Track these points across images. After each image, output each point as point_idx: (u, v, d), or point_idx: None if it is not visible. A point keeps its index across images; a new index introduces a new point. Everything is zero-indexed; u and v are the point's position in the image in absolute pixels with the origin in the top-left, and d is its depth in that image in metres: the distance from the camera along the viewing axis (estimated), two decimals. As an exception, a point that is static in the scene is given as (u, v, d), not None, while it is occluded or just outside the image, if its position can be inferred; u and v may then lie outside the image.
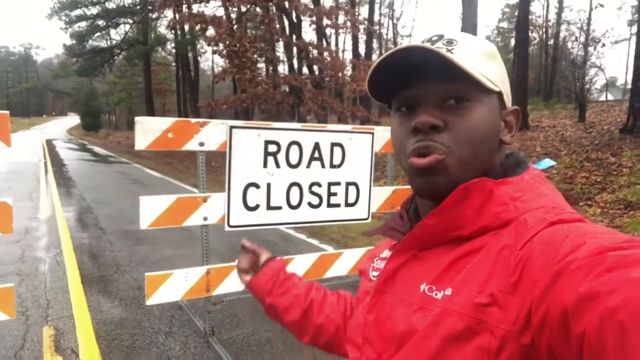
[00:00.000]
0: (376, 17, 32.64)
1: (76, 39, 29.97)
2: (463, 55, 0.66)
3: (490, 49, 0.72)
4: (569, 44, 31.99)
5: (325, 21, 16.72)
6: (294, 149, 3.12)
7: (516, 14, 21.46)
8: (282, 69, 22.92)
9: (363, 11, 30.53)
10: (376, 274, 0.82)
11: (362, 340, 0.77)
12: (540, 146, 11.87)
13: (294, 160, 3.13)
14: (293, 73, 17.88)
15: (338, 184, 3.31)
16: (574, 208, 0.65)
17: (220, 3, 18.37)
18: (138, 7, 27.48)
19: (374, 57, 25.36)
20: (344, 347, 0.86)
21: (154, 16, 27.72)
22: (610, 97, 29.44)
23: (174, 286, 2.95)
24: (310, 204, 3.23)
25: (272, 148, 3.06)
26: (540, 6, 35.87)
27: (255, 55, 16.58)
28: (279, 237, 6.76)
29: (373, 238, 4.15)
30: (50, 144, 31.31)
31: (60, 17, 27.93)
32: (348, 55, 30.34)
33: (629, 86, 12.82)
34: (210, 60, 44.82)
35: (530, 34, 23.75)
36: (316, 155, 3.20)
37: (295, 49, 17.76)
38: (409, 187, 0.75)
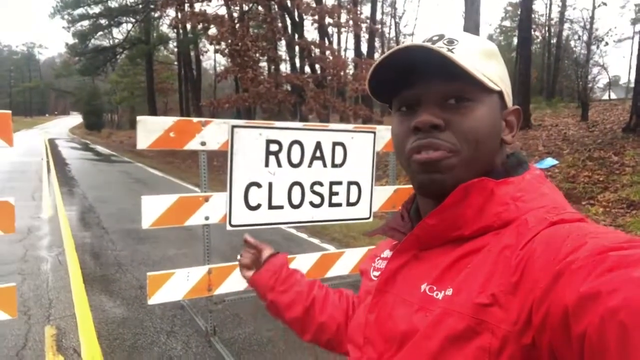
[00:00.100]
0: (378, 16, 32.64)
1: (79, 38, 29.98)
2: (464, 55, 0.66)
3: (491, 49, 0.72)
4: (572, 43, 31.87)
5: (328, 20, 16.71)
6: (296, 148, 3.12)
7: (519, 12, 21.42)
8: (284, 68, 22.91)
9: (365, 10, 30.50)
10: (377, 273, 0.82)
11: (363, 340, 0.77)
12: (542, 145, 11.84)
13: (295, 159, 3.12)
14: (295, 72, 17.88)
15: (340, 183, 3.30)
16: (576, 207, 0.65)
17: (223, 2, 18.40)
18: (140, 6, 27.48)
19: (376, 56, 25.32)
20: (345, 346, 0.86)
21: (156, 15, 27.71)
22: (613, 96, 29.36)
23: (175, 286, 2.95)
24: (311, 204, 3.22)
25: (274, 147, 3.05)
26: (543, 5, 35.90)
27: (257, 54, 16.59)
28: (280, 237, 6.76)
29: (374, 238, 4.14)
30: (52, 143, 31.38)
31: (63, 16, 27.96)
32: (350, 54, 30.29)
33: (632, 85, 12.77)
34: (213, 59, 44.97)
35: (532, 32, 23.71)
36: (318, 154, 3.19)
37: (297, 48, 17.76)
38: (410, 186, 0.75)
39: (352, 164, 3.32)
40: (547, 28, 34.62)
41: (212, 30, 17.06)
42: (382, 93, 0.76)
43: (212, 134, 2.92)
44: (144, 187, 12.10)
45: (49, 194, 10.49)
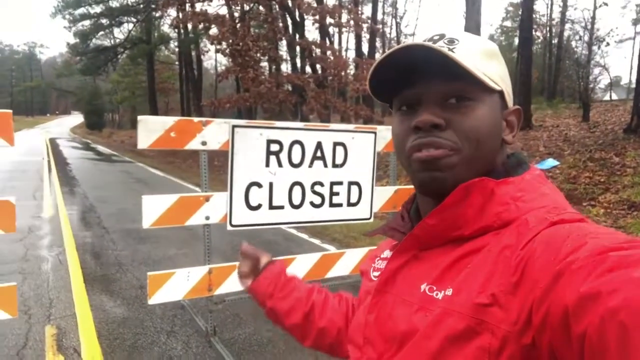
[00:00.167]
0: (379, 16, 32.64)
1: (80, 37, 29.99)
2: (464, 54, 0.65)
3: (492, 48, 0.72)
4: (573, 43, 31.79)
5: (329, 20, 16.71)
6: (297, 148, 3.12)
7: (520, 12, 21.40)
8: (285, 67, 22.91)
9: (366, 10, 30.50)
10: (377, 274, 0.82)
11: (362, 340, 0.77)
12: (543, 146, 11.84)
13: (296, 159, 3.12)
14: (296, 72, 17.87)
15: (340, 183, 3.30)
16: (577, 208, 0.65)
17: (224, 2, 18.41)
18: (141, 5, 27.50)
19: (377, 56, 25.32)
20: (347, 350, 0.85)
21: (157, 15, 27.71)
22: (614, 97, 29.33)
23: (176, 285, 2.95)
24: (312, 204, 3.22)
25: (275, 147, 3.05)
26: (544, 5, 35.82)
27: (258, 54, 16.60)
28: (281, 237, 6.76)
29: (375, 238, 4.14)
30: (53, 143, 31.41)
31: (64, 16, 27.98)
32: (351, 54, 30.27)
33: (634, 85, 12.76)
34: (214, 59, 44.92)
35: (534, 32, 23.69)
36: (318, 154, 3.19)
37: (298, 48, 17.75)
38: (411, 186, 0.75)
39: (353, 164, 3.32)
40: (548, 28, 34.59)
41: (213, 30, 17.07)
42: (383, 92, 0.76)
43: (213, 133, 2.92)
44: (145, 187, 12.11)
45: (50, 193, 10.50)
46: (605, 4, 17.29)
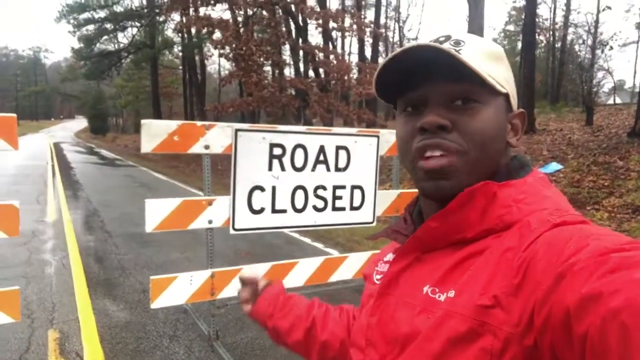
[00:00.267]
0: (382, 20, 32.68)
1: (84, 42, 30.11)
2: (471, 56, 0.65)
3: (497, 51, 0.72)
4: (577, 47, 31.85)
5: (332, 24, 16.74)
6: (299, 152, 3.12)
7: (523, 16, 21.40)
8: (288, 72, 22.99)
9: (369, 14, 30.65)
10: (380, 277, 0.82)
11: (365, 343, 0.77)
12: (547, 150, 11.81)
13: (299, 163, 3.12)
14: (299, 76, 17.91)
15: (343, 187, 3.30)
16: (581, 212, 0.64)
17: (227, 6, 18.45)
18: (145, 10, 27.66)
19: (380, 60, 25.36)
20: None
21: (161, 19, 27.81)
22: (618, 101, 29.28)
23: (178, 289, 2.95)
24: (315, 208, 3.22)
25: (277, 151, 3.05)
26: (547, 9, 35.71)
27: (261, 59, 16.63)
28: (283, 241, 6.76)
29: (378, 242, 4.14)
30: (57, 147, 31.53)
31: (69, 21, 28.09)
32: (354, 59, 30.39)
33: (637, 89, 12.74)
34: (217, 63, 44.97)
35: (537, 36, 23.69)
36: (321, 158, 3.19)
37: (301, 52, 17.80)
38: (414, 190, 0.75)
39: (356, 168, 3.31)
40: (551, 32, 34.55)
41: (217, 35, 17.12)
42: (388, 94, 0.76)
43: (216, 137, 2.92)
44: (148, 191, 12.14)
45: (54, 197, 10.53)
46: (609, 8, 17.34)
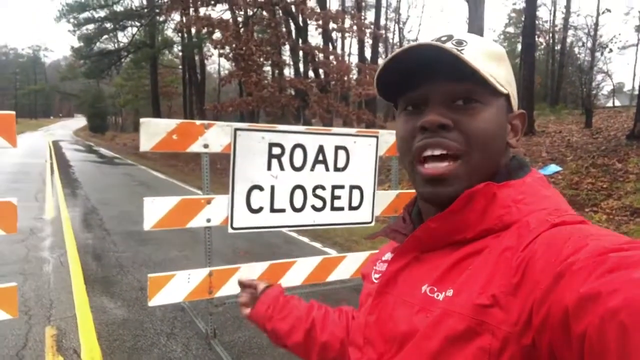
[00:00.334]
0: (382, 21, 32.64)
1: (84, 41, 30.07)
2: (473, 56, 0.65)
3: (499, 51, 0.72)
4: (576, 50, 31.88)
5: (332, 25, 16.75)
6: (298, 152, 3.12)
7: (523, 18, 21.42)
8: (288, 72, 22.98)
9: (369, 15, 30.64)
10: (378, 276, 0.82)
11: (363, 341, 0.77)
12: (546, 151, 11.82)
13: (298, 163, 3.13)
14: (299, 76, 17.91)
15: (342, 187, 3.30)
16: (579, 214, 0.64)
17: (227, 6, 18.44)
18: (145, 10, 27.62)
19: (380, 61, 25.36)
20: None
21: (161, 19, 27.76)
22: (617, 103, 29.34)
23: (176, 288, 2.95)
24: (313, 207, 3.22)
25: (276, 150, 3.06)
26: (547, 11, 35.78)
27: (261, 59, 16.64)
28: (282, 240, 6.76)
29: (376, 242, 4.14)
30: (56, 145, 31.50)
31: (69, 20, 28.06)
32: (354, 59, 30.36)
33: (637, 92, 12.77)
34: (217, 63, 44.95)
35: (536, 39, 23.71)
36: (320, 158, 3.19)
37: (301, 53, 17.81)
38: (413, 191, 0.75)
39: (355, 168, 3.31)
40: (551, 34, 34.60)
41: (217, 35, 17.12)
42: (389, 92, 0.75)
43: (215, 136, 2.92)
44: (147, 190, 12.13)
45: (52, 195, 10.51)
46: (608, 11, 17.37)
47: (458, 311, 0.60)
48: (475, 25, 13.04)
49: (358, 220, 3.43)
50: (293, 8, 16.26)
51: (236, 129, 2.94)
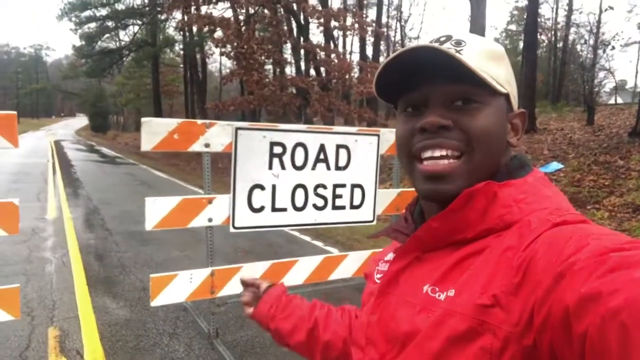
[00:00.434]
0: (384, 19, 32.62)
1: (85, 40, 30.11)
2: (471, 56, 0.65)
3: (499, 51, 0.72)
4: (578, 47, 31.85)
5: (333, 23, 16.75)
6: (300, 151, 3.12)
7: (525, 16, 21.38)
8: (290, 70, 22.97)
9: (371, 13, 30.64)
10: (380, 276, 0.82)
11: (365, 341, 0.77)
12: (548, 149, 11.80)
13: (299, 162, 3.12)
14: (300, 75, 17.92)
15: (343, 186, 3.30)
16: (581, 212, 0.64)
17: (229, 5, 18.44)
18: (147, 8, 27.60)
19: (382, 59, 25.35)
20: None
21: (162, 18, 27.78)
22: (619, 100, 29.21)
23: (178, 287, 2.95)
24: (315, 206, 3.22)
25: (278, 149, 3.05)
26: (550, 9, 35.68)
27: (262, 57, 16.64)
28: (284, 239, 6.76)
29: (378, 240, 4.14)
30: (58, 145, 31.56)
31: (70, 19, 28.09)
32: (355, 58, 30.33)
33: (639, 89, 12.73)
34: (218, 62, 45.00)
35: (539, 36, 23.66)
36: (321, 157, 3.19)
37: (302, 51, 17.80)
38: (414, 189, 0.74)
39: (356, 166, 3.31)
40: (553, 32, 34.52)
41: (218, 33, 17.11)
42: (389, 94, 0.76)
43: (216, 135, 2.92)
44: (148, 189, 12.14)
45: (54, 195, 10.53)
46: (611, 8, 17.32)
47: (459, 311, 0.60)
48: (477, 22, 13.02)
49: (359, 219, 3.42)
50: (294, 6, 16.25)
51: (237, 128, 2.94)
